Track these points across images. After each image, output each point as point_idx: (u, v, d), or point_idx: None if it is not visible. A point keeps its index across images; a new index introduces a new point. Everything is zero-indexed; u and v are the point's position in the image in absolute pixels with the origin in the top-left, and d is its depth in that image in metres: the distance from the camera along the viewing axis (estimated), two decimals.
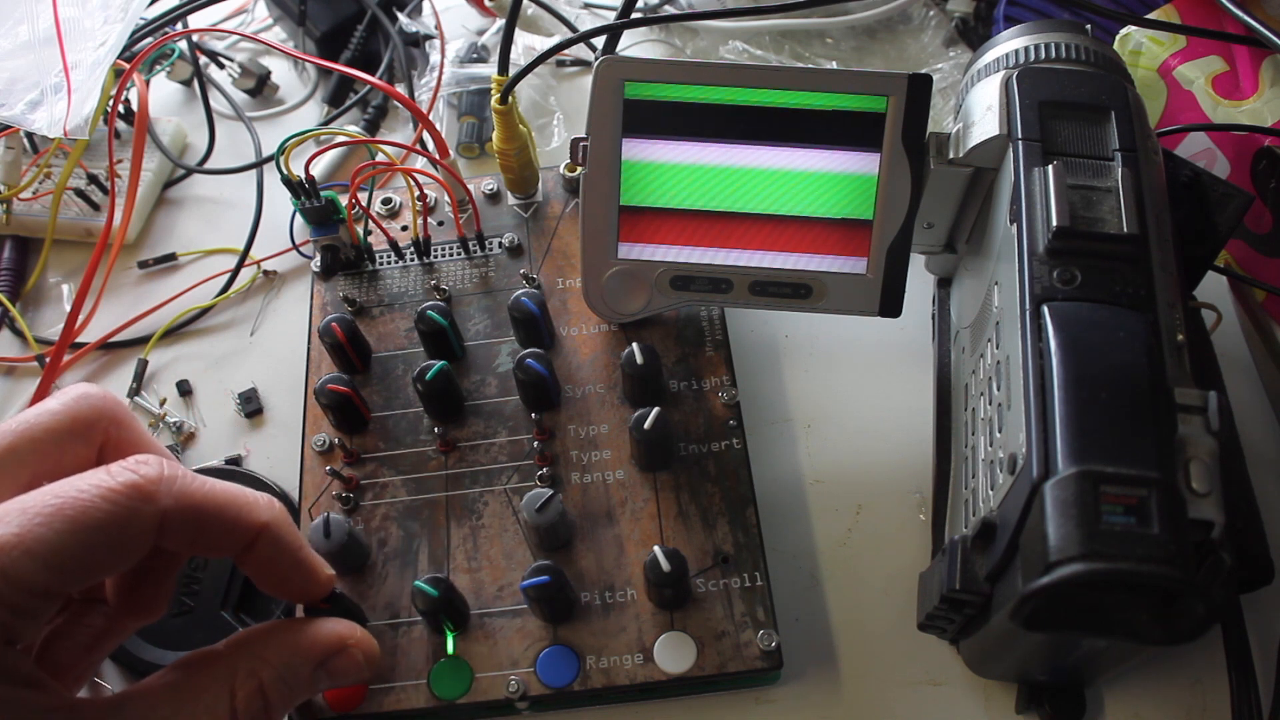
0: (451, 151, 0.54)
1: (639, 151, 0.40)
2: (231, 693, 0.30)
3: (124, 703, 0.29)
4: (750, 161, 0.40)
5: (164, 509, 0.29)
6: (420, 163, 0.51)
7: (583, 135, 0.41)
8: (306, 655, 0.33)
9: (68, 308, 0.51)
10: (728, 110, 0.40)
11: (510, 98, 0.44)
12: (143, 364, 0.50)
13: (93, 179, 0.54)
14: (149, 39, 0.55)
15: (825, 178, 0.40)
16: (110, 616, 0.34)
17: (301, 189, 0.45)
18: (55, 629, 0.33)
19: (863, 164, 0.40)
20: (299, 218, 0.50)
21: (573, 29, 0.58)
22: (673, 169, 0.40)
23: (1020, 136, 0.36)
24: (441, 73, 0.56)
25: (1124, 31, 0.48)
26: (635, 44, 0.60)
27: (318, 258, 0.47)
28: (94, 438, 0.32)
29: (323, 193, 0.46)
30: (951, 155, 0.39)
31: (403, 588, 0.40)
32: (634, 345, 0.41)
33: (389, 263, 0.48)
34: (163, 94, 0.61)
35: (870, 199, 0.40)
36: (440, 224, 0.49)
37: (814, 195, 0.40)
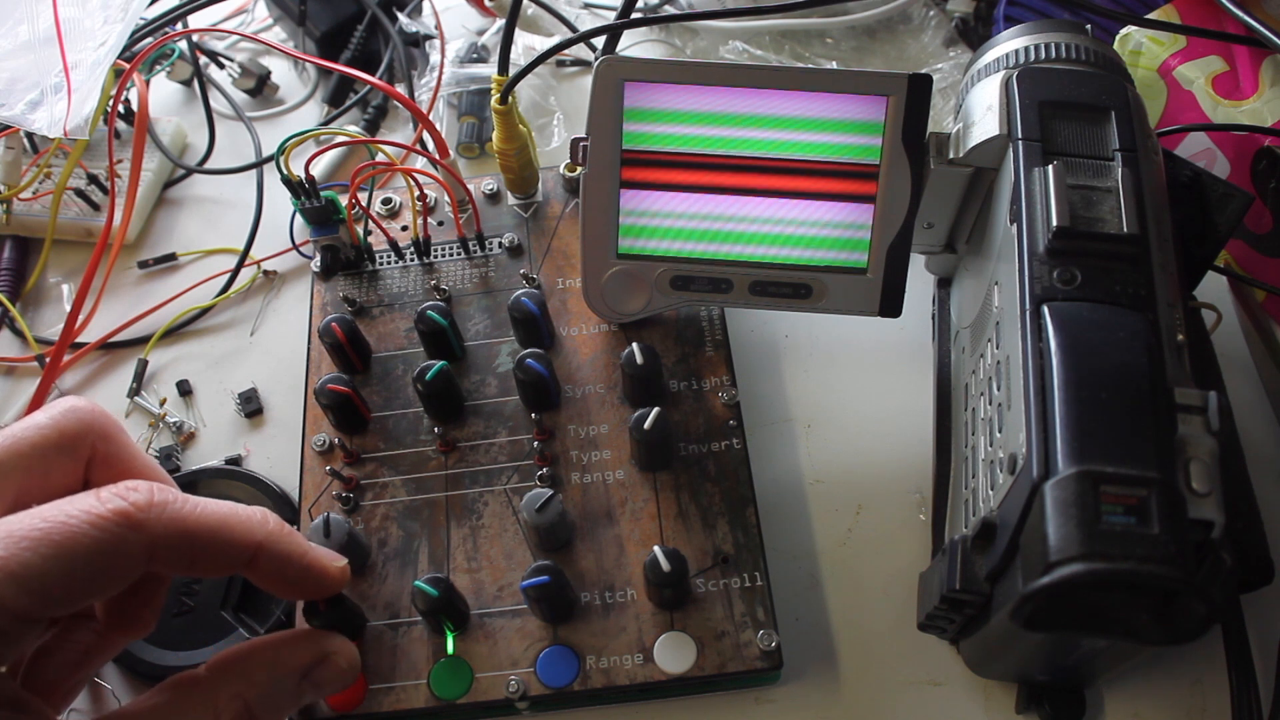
0: (451, 151, 0.54)
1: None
2: (216, 713, 0.30)
3: None
4: (751, 158, 0.40)
5: (154, 537, 0.28)
6: (420, 163, 0.51)
7: (583, 135, 0.41)
8: (290, 670, 0.33)
9: (68, 308, 0.51)
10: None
11: (510, 98, 0.44)
12: (143, 364, 0.50)
13: (93, 179, 0.54)
14: (149, 39, 0.55)
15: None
16: (99, 633, 0.34)
17: (301, 189, 0.45)
18: (42, 646, 0.33)
19: (863, 163, 0.40)
20: (299, 218, 0.50)
21: (573, 29, 0.58)
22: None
23: (1020, 136, 0.36)
24: (441, 73, 0.56)
25: (1124, 31, 0.48)
26: (635, 44, 0.60)
27: (318, 258, 0.47)
28: (81, 452, 0.32)
29: (323, 193, 0.46)
30: (951, 155, 0.39)
31: (403, 588, 0.40)
32: (634, 345, 0.41)
33: (389, 263, 0.48)
34: (163, 94, 0.61)
35: (870, 203, 0.40)
36: (440, 224, 0.49)
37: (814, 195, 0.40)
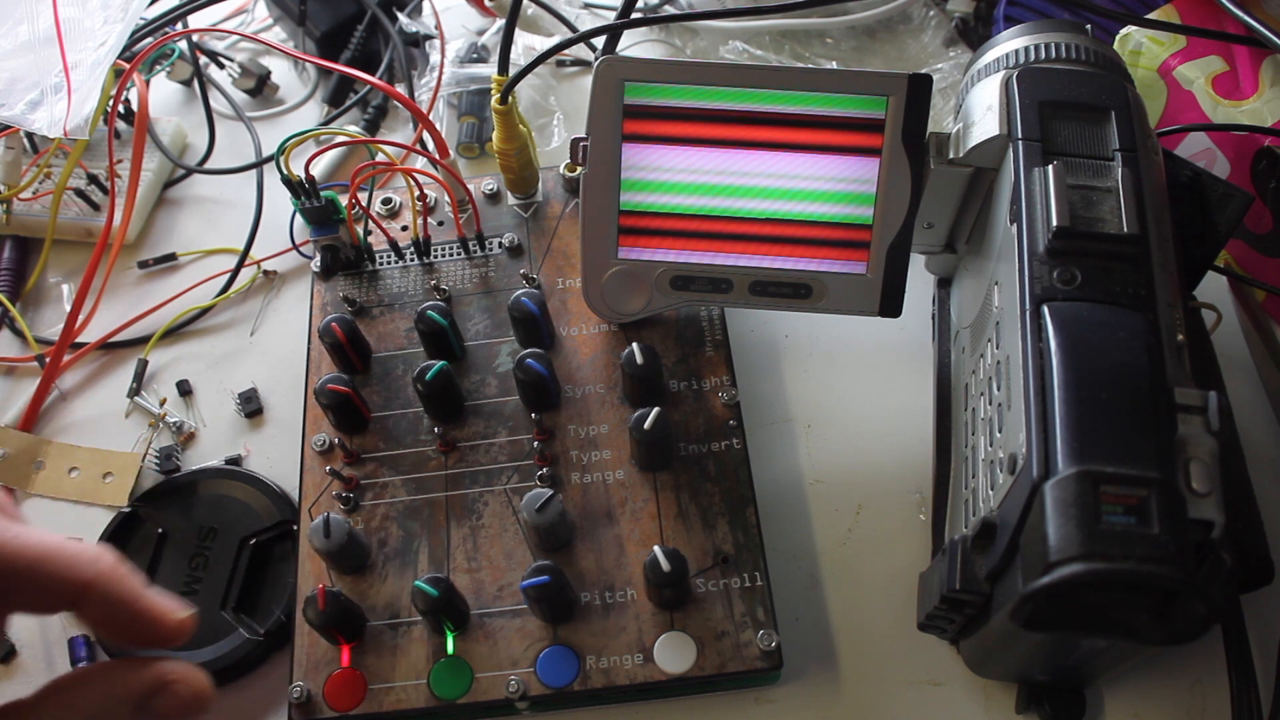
0: (451, 151, 0.54)
1: (639, 156, 0.40)
2: None
3: None
4: (750, 166, 0.40)
5: None
6: (420, 163, 0.51)
7: (583, 135, 0.41)
8: (121, 698, 0.31)
9: (68, 308, 0.51)
10: (728, 114, 0.40)
11: (510, 98, 0.44)
12: (143, 364, 0.50)
13: (93, 179, 0.54)
14: (149, 39, 0.55)
15: (824, 183, 0.40)
16: None
17: (301, 189, 0.45)
18: None
19: (862, 171, 0.40)
20: (299, 218, 0.50)
21: (573, 29, 0.58)
22: (673, 169, 0.41)
23: (1020, 136, 0.36)
24: (441, 73, 0.56)
25: (1124, 31, 0.48)
26: (635, 44, 0.60)
27: (318, 258, 0.47)
28: None
29: (323, 193, 0.46)
30: (951, 155, 0.39)
31: (403, 588, 0.40)
32: (634, 345, 0.41)
33: (389, 263, 0.48)
34: (163, 94, 0.61)
35: (869, 204, 0.40)
36: (440, 224, 0.49)
37: (813, 199, 0.40)
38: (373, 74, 0.58)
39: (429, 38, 0.59)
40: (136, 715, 0.31)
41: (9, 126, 0.50)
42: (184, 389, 0.49)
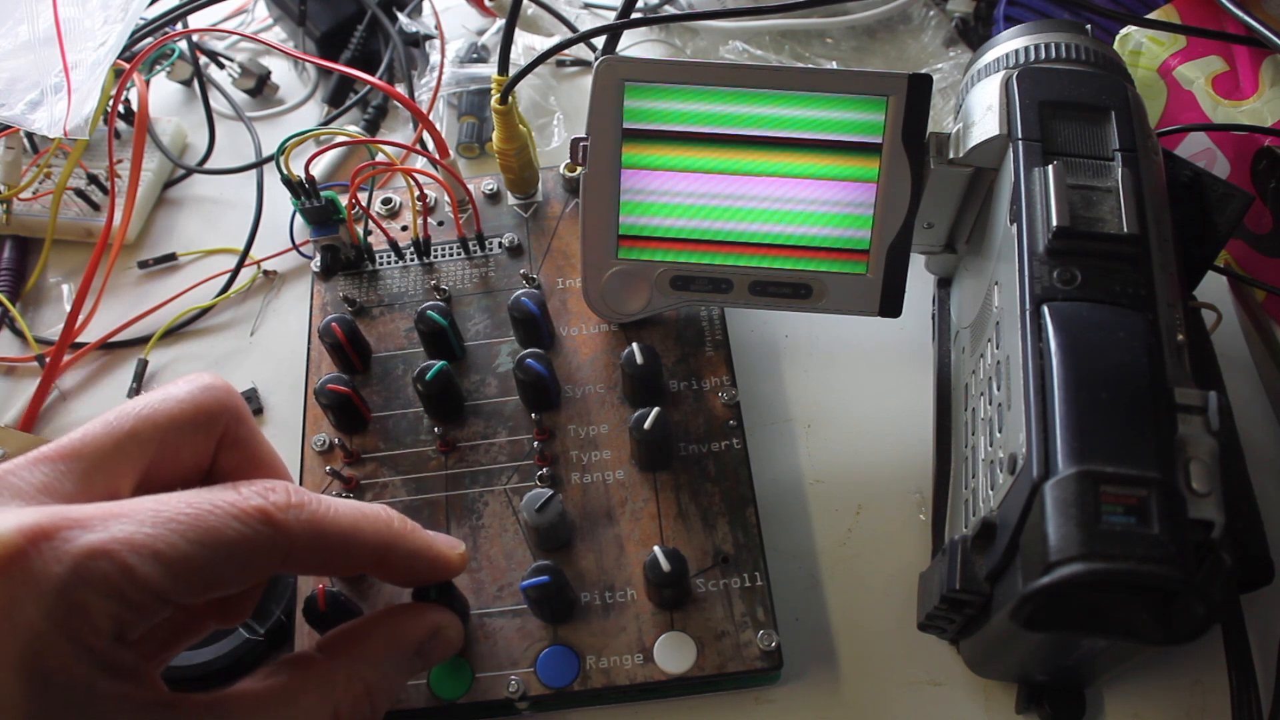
0: (451, 151, 0.54)
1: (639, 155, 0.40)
2: (335, 698, 0.30)
3: (220, 703, 0.28)
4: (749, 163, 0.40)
5: (292, 538, 0.28)
6: (420, 163, 0.51)
7: (583, 135, 0.41)
8: (408, 647, 0.33)
9: (68, 308, 0.51)
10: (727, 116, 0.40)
11: (510, 98, 0.44)
12: (143, 364, 0.50)
13: (93, 179, 0.54)
14: (149, 39, 0.55)
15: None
16: (191, 615, 0.33)
17: (301, 189, 0.45)
18: None
19: (863, 168, 0.40)
20: (299, 218, 0.50)
21: (573, 29, 0.58)
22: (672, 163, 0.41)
23: (1020, 136, 0.36)
24: (441, 73, 0.56)
25: (1124, 31, 0.48)
26: (635, 44, 0.60)
27: (318, 258, 0.47)
28: (214, 432, 0.31)
29: (323, 193, 0.46)
30: (951, 155, 0.39)
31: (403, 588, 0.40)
32: (634, 345, 0.41)
33: (389, 263, 0.48)
34: (163, 94, 0.61)
35: (869, 203, 0.40)
36: (440, 224, 0.49)
37: (814, 201, 0.40)
38: (373, 74, 0.58)
39: (429, 38, 0.59)
40: (414, 660, 0.33)
41: (9, 126, 0.50)
42: None
